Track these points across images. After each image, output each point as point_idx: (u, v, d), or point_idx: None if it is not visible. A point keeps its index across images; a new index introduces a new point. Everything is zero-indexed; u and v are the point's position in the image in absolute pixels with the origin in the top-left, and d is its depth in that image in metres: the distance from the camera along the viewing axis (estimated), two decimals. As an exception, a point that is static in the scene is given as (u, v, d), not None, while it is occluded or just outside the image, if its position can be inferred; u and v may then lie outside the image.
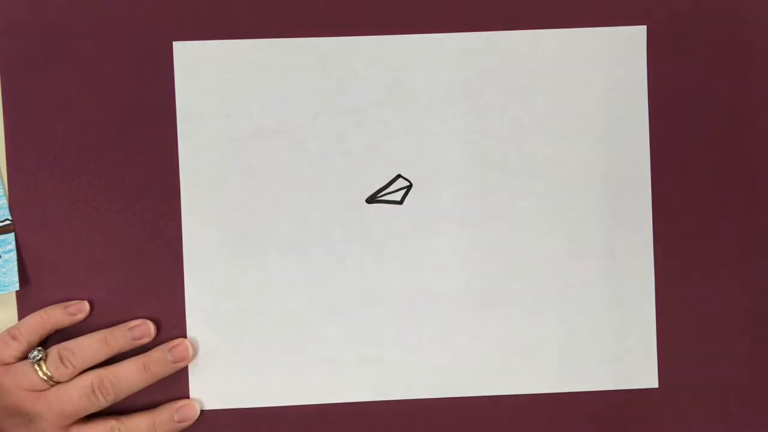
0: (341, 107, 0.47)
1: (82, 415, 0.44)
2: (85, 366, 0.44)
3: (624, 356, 0.48)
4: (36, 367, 0.43)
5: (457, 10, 0.47)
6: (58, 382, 0.44)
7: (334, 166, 0.47)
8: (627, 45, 0.48)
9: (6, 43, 0.46)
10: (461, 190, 0.47)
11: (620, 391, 0.48)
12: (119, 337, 0.45)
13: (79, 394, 0.43)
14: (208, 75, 0.46)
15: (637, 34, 0.48)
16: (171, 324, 0.47)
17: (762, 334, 0.49)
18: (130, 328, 0.46)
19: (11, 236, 0.46)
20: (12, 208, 0.46)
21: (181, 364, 0.46)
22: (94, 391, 0.44)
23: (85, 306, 0.46)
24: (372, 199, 0.47)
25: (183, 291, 0.47)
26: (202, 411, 0.47)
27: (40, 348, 0.44)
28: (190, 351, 0.46)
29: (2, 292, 0.46)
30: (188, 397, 0.47)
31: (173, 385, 0.47)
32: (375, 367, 0.48)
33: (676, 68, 0.48)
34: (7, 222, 0.46)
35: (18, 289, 0.46)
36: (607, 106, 0.48)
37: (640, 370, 0.48)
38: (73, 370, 0.44)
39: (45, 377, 0.43)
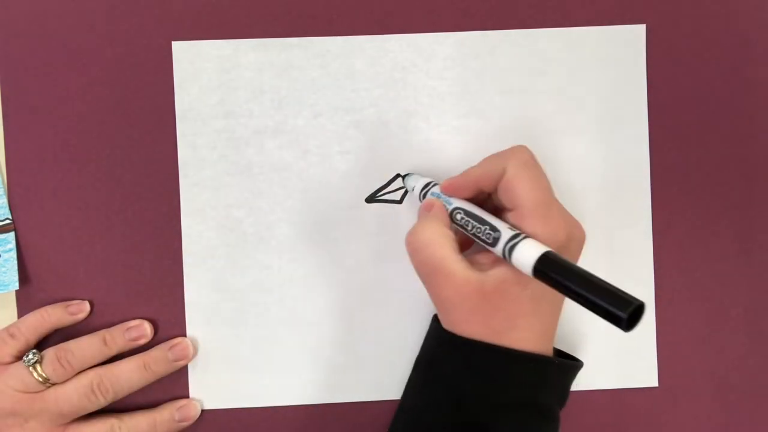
0: (340, 106, 0.47)
1: (80, 414, 0.44)
2: (84, 366, 0.44)
3: (624, 355, 0.48)
4: (31, 369, 0.43)
5: (456, 10, 0.47)
6: (54, 384, 0.44)
7: (333, 165, 0.47)
8: (626, 44, 0.48)
9: (5, 42, 0.46)
10: (460, 190, 0.47)
11: (620, 390, 0.48)
12: (117, 337, 0.45)
13: (78, 394, 0.44)
14: (207, 75, 0.46)
15: (637, 32, 0.48)
16: (171, 324, 0.47)
17: (762, 333, 0.49)
18: (128, 329, 0.46)
19: (11, 235, 0.46)
20: (12, 208, 0.46)
21: (181, 363, 0.46)
22: (93, 390, 0.44)
23: (86, 306, 0.46)
24: (371, 199, 0.47)
25: (183, 291, 0.47)
26: (201, 411, 0.47)
27: (35, 351, 0.44)
28: (191, 350, 0.46)
29: (2, 291, 0.46)
30: (188, 397, 0.47)
31: (173, 385, 0.47)
32: (375, 367, 0.47)
33: (676, 67, 0.48)
34: (7, 221, 0.46)
35: (18, 288, 0.46)
36: (607, 105, 0.48)
37: (640, 370, 0.48)
38: (71, 371, 0.44)
39: (41, 379, 0.43)
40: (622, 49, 0.48)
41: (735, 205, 0.48)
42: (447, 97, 0.47)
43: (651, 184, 0.48)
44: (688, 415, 0.49)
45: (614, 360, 0.48)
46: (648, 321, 0.48)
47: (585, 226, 0.42)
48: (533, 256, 0.36)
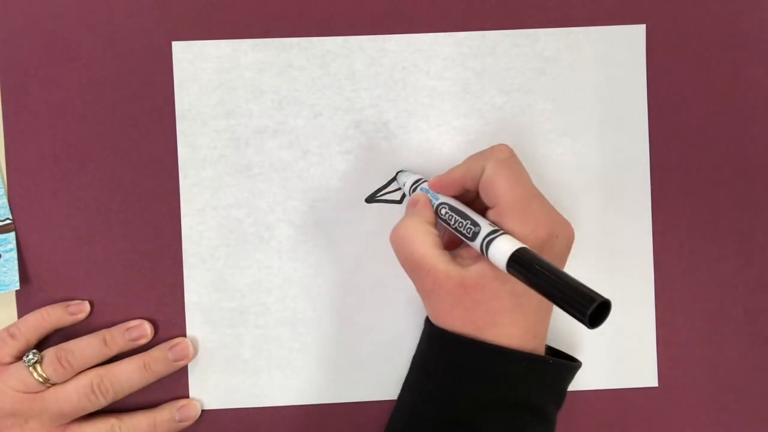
0: (340, 107, 0.47)
1: (81, 414, 0.44)
2: (84, 366, 0.44)
3: (624, 355, 0.48)
4: (31, 369, 0.43)
5: (456, 10, 0.47)
6: (54, 384, 0.44)
7: (333, 165, 0.47)
8: (626, 44, 0.48)
9: (5, 42, 0.46)
10: (460, 190, 0.47)
11: (620, 390, 0.48)
12: (117, 337, 0.45)
13: (78, 394, 0.43)
14: (207, 75, 0.46)
15: (637, 32, 0.48)
16: (170, 324, 0.47)
17: (761, 333, 0.49)
18: (128, 329, 0.46)
19: (12, 235, 0.46)
20: (12, 208, 0.46)
21: (182, 363, 0.46)
22: (93, 391, 0.44)
23: (86, 306, 0.46)
24: (371, 199, 0.47)
25: (183, 291, 0.47)
26: (201, 411, 0.47)
27: (35, 351, 0.44)
28: (191, 350, 0.46)
29: (2, 291, 0.46)
30: (188, 397, 0.47)
31: (173, 385, 0.47)
32: (375, 367, 0.48)
33: (676, 67, 0.48)
34: (8, 221, 0.46)
35: (18, 288, 0.46)
36: (607, 105, 0.48)
37: (639, 370, 0.48)
38: (72, 371, 0.44)
39: (41, 379, 0.43)
40: (622, 49, 0.48)
41: (735, 205, 0.48)
42: (447, 97, 0.47)
43: (651, 184, 0.48)
44: (688, 415, 0.49)
45: (614, 360, 0.48)
46: (648, 321, 0.48)
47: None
48: (507, 252, 0.37)
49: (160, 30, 0.46)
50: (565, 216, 0.41)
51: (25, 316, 0.45)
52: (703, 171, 0.48)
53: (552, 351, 0.44)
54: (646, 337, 0.48)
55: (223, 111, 0.47)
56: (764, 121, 0.48)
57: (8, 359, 0.44)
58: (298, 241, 0.47)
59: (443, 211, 0.42)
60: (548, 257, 0.38)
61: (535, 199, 0.40)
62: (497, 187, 0.40)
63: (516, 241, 0.37)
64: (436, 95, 0.47)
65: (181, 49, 0.46)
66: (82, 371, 0.44)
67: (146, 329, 0.46)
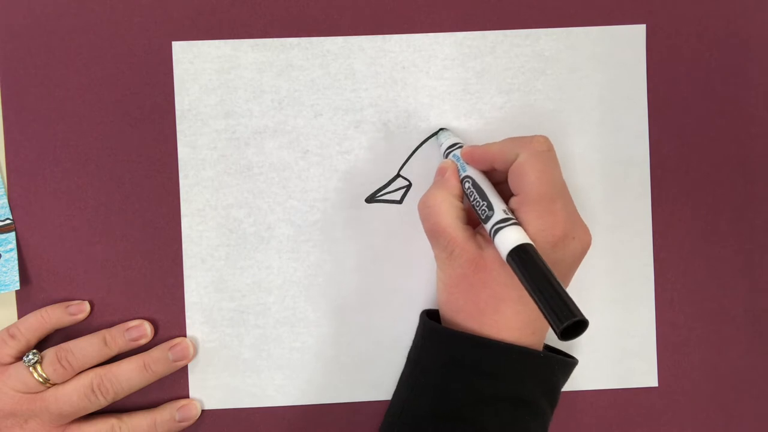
0: (340, 107, 0.47)
1: (81, 414, 0.44)
2: (84, 367, 0.44)
3: (624, 355, 0.48)
4: (31, 369, 0.43)
5: (456, 10, 0.47)
6: (54, 384, 0.44)
7: (333, 165, 0.47)
8: (626, 44, 0.48)
9: (6, 43, 0.46)
10: (460, 190, 0.47)
11: (620, 390, 0.48)
12: (117, 337, 0.45)
13: (78, 394, 0.43)
14: (207, 75, 0.46)
15: (637, 33, 0.48)
16: (170, 324, 0.47)
17: (762, 333, 0.49)
18: (128, 329, 0.46)
19: (12, 235, 0.46)
20: (12, 208, 0.46)
21: (182, 363, 0.46)
22: (93, 391, 0.44)
23: (86, 306, 0.46)
24: (371, 199, 0.47)
25: (183, 291, 0.47)
26: (202, 411, 0.47)
27: (35, 351, 0.44)
28: (191, 350, 0.46)
29: (2, 291, 0.46)
30: (188, 397, 0.47)
31: (173, 385, 0.47)
32: (374, 367, 0.47)
33: (676, 67, 0.48)
34: (8, 221, 0.46)
35: (18, 288, 0.46)
36: (607, 105, 0.48)
37: (640, 369, 0.48)
38: (71, 371, 0.44)
39: (41, 379, 0.43)
40: (622, 49, 0.48)
41: (735, 205, 0.48)
42: (447, 97, 0.47)
43: (651, 184, 0.48)
44: (688, 415, 0.49)
45: (614, 360, 0.48)
46: (648, 321, 0.48)
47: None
48: (510, 244, 0.37)
49: (160, 30, 0.46)
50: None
51: (25, 317, 0.45)
52: (703, 171, 0.48)
53: (551, 350, 0.44)
54: (646, 337, 0.48)
55: (223, 111, 0.47)
56: (764, 121, 0.48)
57: (8, 359, 0.44)
58: (298, 241, 0.47)
59: (466, 185, 0.42)
60: (560, 257, 0.38)
61: (560, 198, 0.40)
62: (525, 178, 0.40)
63: (523, 236, 0.38)
64: (436, 95, 0.47)
65: (181, 49, 0.46)
66: (82, 371, 0.44)
67: (146, 329, 0.46)
